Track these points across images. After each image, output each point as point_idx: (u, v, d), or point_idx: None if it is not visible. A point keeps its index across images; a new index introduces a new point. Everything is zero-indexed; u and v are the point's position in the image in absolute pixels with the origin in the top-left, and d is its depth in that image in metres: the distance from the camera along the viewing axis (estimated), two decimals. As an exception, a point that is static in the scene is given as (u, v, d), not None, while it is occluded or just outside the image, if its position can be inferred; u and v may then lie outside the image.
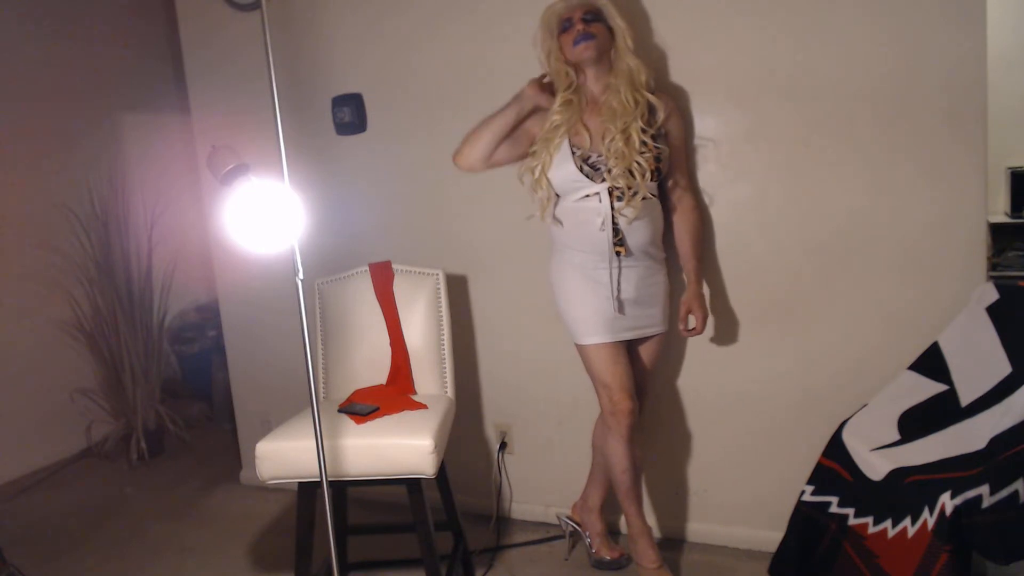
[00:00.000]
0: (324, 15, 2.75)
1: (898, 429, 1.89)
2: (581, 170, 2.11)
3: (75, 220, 3.63)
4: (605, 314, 2.14)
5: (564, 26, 2.12)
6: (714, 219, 2.34)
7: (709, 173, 2.32)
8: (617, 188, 2.08)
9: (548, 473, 2.70)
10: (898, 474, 1.72)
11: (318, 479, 1.85)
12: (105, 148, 3.88)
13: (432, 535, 1.98)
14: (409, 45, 2.65)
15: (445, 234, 2.71)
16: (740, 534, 2.46)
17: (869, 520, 1.77)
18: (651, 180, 2.11)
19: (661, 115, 2.12)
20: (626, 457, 2.17)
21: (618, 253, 2.11)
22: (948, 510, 1.56)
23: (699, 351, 2.43)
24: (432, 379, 2.38)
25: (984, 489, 1.55)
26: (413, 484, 1.98)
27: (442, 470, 2.15)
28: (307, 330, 1.74)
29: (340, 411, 2.14)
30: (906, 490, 1.68)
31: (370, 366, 2.38)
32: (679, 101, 2.27)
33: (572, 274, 2.18)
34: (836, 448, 1.95)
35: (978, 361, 1.85)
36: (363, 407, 2.13)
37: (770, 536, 2.20)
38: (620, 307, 2.14)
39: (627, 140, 2.06)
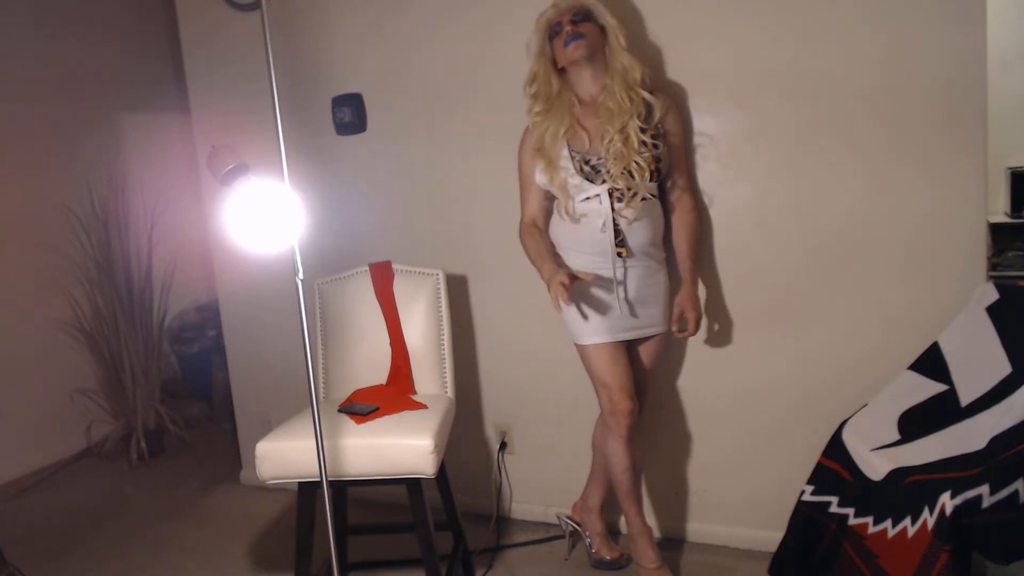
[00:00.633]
0: (324, 15, 2.75)
1: (898, 429, 1.89)
2: (581, 172, 2.11)
3: (75, 220, 3.63)
4: (605, 314, 2.14)
5: (555, 30, 2.13)
6: (714, 219, 2.34)
7: (709, 173, 2.32)
8: (617, 189, 2.08)
9: (548, 473, 2.70)
10: (898, 474, 1.72)
11: (318, 479, 1.85)
12: (105, 148, 3.89)
13: (432, 535, 1.98)
14: (409, 45, 2.65)
15: (445, 234, 2.71)
16: (740, 534, 2.46)
17: (869, 520, 1.76)
18: (651, 180, 2.11)
19: (658, 112, 2.12)
20: (626, 457, 2.17)
21: (619, 254, 2.11)
22: (948, 510, 1.56)
23: (699, 351, 2.43)
24: (432, 379, 2.38)
25: (984, 489, 1.54)
26: (413, 484, 1.98)
27: (442, 470, 2.15)
28: (307, 330, 1.74)
29: (340, 411, 2.14)
30: (906, 490, 1.68)
31: (370, 366, 2.38)
32: (678, 100, 2.27)
33: (572, 275, 2.18)
34: (836, 448, 1.95)
35: (978, 361, 1.85)
36: (363, 407, 2.14)
37: (770, 536, 2.21)
38: (632, 310, 2.14)
39: (625, 140, 2.06)
